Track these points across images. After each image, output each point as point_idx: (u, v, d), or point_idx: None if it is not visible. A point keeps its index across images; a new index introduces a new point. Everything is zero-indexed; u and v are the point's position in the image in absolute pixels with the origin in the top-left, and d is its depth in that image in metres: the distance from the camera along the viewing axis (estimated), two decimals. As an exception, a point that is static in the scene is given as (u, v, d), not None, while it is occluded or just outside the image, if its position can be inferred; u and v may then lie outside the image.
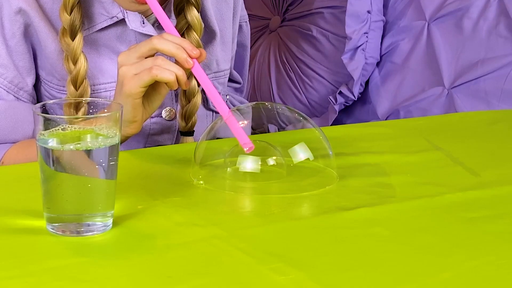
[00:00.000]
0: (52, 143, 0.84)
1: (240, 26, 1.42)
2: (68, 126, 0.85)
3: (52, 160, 0.84)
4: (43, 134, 0.85)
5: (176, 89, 1.27)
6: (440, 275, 0.78)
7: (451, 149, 1.17)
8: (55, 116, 0.85)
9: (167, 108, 1.27)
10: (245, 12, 1.45)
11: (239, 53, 1.46)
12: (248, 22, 1.46)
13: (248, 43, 1.48)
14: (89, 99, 0.91)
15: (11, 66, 1.20)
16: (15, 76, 1.21)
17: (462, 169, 1.09)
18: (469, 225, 0.91)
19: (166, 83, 1.06)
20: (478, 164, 1.11)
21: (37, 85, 1.25)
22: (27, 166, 1.12)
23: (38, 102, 1.26)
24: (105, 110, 0.89)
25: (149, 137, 1.28)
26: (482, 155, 1.16)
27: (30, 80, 1.22)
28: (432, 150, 1.18)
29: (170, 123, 1.28)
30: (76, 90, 1.18)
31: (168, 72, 1.03)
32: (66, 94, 1.21)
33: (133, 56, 1.06)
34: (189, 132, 1.27)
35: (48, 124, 0.85)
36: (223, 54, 1.35)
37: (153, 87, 1.08)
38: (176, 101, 1.28)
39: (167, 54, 1.05)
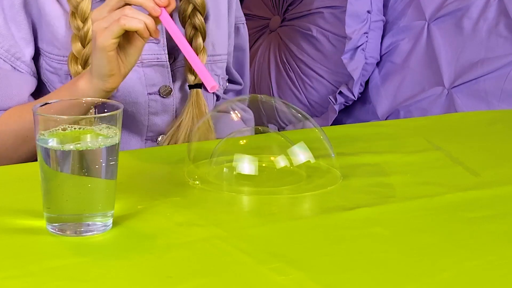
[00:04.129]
0: (52, 143, 0.84)
1: (238, 28, 1.43)
2: (68, 126, 0.85)
3: (52, 160, 0.84)
4: (43, 134, 0.85)
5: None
6: (440, 275, 0.78)
7: (451, 149, 1.17)
8: (55, 116, 0.85)
9: (162, 86, 1.28)
10: (241, 14, 1.45)
11: (238, 57, 1.46)
12: (245, 24, 1.46)
13: (246, 46, 1.48)
14: (89, 99, 0.91)
15: (8, 36, 1.22)
16: (12, 45, 1.22)
17: (462, 169, 1.09)
18: (469, 225, 0.91)
19: (137, 33, 1.07)
20: (478, 164, 1.11)
21: (38, 60, 1.25)
22: (27, 166, 1.12)
23: (39, 76, 1.26)
24: (105, 110, 0.89)
25: (149, 118, 1.28)
26: (482, 155, 1.16)
27: (28, 52, 1.23)
28: (432, 150, 1.18)
29: (168, 101, 1.29)
30: (84, 47, 1.20)
31: (136, 21, 1.05)
32: (66, 64, 1.22)
33: (104, 11, 1.07)
34: (198, 85, 1.29)
35: (48, 124, 0.85)
36: (219, 37, 1.35)
37: (128, 39, 1.09)
38: (174, 80, 1.30)
39: (135, 4, 1.06)
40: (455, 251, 0.84)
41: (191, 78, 1.29)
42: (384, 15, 1.87)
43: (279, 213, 0.94)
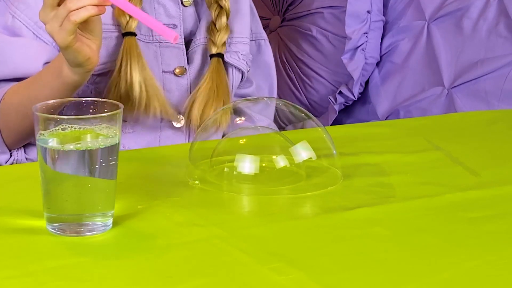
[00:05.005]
0: (52, 143, 0.84)
1: (259, 44, 1.48)
2: (68, 126, 0.85)
3: (52, 160, 0.84)
4: (43, 134, 0.85)
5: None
6: (440, 275, 0.78)
7: (451, 149, 1.17)
8: (55, 116, 0.85)
9: (177, 66, 1.31)
10: (261, 30, 1.50)
11: (265, 73, 1.50)
12: (267, 40, 1.51)
13: (272, 61, 1.51)
14: (89, 99, 0.91)
15: (33, 5, 1.24)
16: (35, 14, 1.22)
17: (462, 169, 1.09)
18: (469, 225, 0.91)
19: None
20: (478, 164, 1.11)
21: None
22: (27, 166, 1.12)
23: None
24: (105, 110, 0.89)
25: (164, 95, 1.30)
26: (482, 155, 1.16)
27: None
28: (432, 150, 1.18)
29: (182, 80, 1.32)
30: (113, 8, 1.24)
31: (83, 10, 1.04)
32: None
33: (47, 11, 1.07)
34: (219, 54, 1.34)
35: (48, 124, 0.85)
36: (235, 22, 1.39)
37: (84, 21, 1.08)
38: (189, 63, 1.33)
39: None
40: (455, 251, 0.84)
41: (213, 49, 1.33)
42: (384, 15, 1.87)
43: (279, 213, 0.94)
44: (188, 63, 1.33)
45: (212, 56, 1.34)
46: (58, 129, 0.85)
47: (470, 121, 1.39)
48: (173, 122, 1.32)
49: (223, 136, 1.32)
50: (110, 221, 0.87)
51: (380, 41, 1.85)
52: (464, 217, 0.93)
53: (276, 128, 1.37)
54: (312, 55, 1.93)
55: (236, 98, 1.44)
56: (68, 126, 0.85)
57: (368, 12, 1.82)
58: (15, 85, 1.23)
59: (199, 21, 1.36)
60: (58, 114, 0.87)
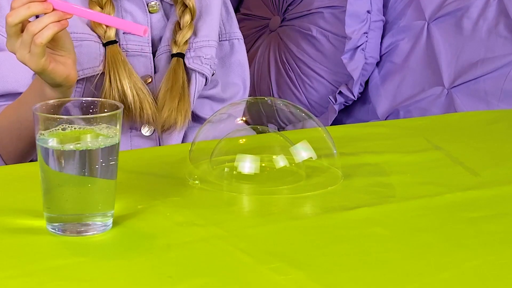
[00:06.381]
0: (52, 143, 0.84)
1: (232, 44, 1.44)
2: (68, 126, 0.85)
3: (52, 160, 0.84)
4: (43, 134, 0.85)
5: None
6: (440, 275, 0.78)
7: (451, 149, 1.17)
8: (55, 116, 0.85)
9: (144, 75, 1.30)
10: (236, 30, 1.46)
11: (238, 72, 1.46)
12: (241, 40, 1.47)
13: (245, 61, 1.48)
14: (89, 99, 0.91)
15: None
16: None
17: (462, 169, 1.09)
18: (469, 225, 0.91)
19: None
20: (478, 164, 1.11)
21: None
22: (27, 166, 1.12)
23: None
24: (105, 110, 0.89)
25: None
26: (482, 155, 1.16)
27: None
28: (432, 150, 1.18)
29: (149, 88, 1.30)
30: (103, 9, 1.24)
31: (46, 29, 1.03)
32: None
33: (13, 40, 1.06)
34: (179, 54, 1.32)
35: (48, 124, 0.85)
36: (201, 24, 1.37)
37: (52, 39, 1.07)
38: (156, 71, 1.32)
39: (26, 18, 1.04)
40: (455, 251, 0.84)
41: (174, 48, 1.32)
42: (384, 15, 1.87)
43: (279, 213, 0.94)
44: (155, 72, 1.32)
45: (173, 56, 1.33)
46: (58, 129, 0.85)
47: (470, 121, 1.39)
48: (142, 131, 1.30)
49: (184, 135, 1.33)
50: (110, 221, 0.87)
51: (380, 41, 1.86)
52: (464, 217, 0.93)
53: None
54: (312, 55, 1.93)
55: (200, 99, 1.41)
56: (68, 126, 0.85)
57: (368, 12, 1.82)
58: (4, 109, 1.23)
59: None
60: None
